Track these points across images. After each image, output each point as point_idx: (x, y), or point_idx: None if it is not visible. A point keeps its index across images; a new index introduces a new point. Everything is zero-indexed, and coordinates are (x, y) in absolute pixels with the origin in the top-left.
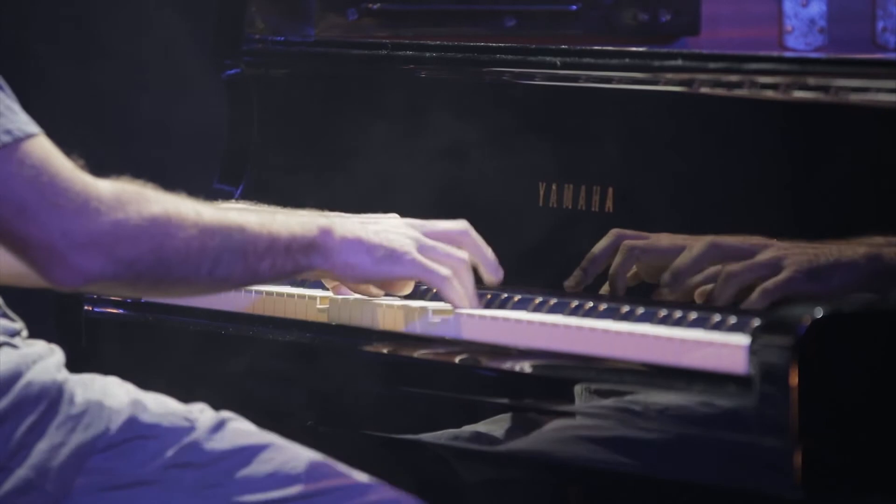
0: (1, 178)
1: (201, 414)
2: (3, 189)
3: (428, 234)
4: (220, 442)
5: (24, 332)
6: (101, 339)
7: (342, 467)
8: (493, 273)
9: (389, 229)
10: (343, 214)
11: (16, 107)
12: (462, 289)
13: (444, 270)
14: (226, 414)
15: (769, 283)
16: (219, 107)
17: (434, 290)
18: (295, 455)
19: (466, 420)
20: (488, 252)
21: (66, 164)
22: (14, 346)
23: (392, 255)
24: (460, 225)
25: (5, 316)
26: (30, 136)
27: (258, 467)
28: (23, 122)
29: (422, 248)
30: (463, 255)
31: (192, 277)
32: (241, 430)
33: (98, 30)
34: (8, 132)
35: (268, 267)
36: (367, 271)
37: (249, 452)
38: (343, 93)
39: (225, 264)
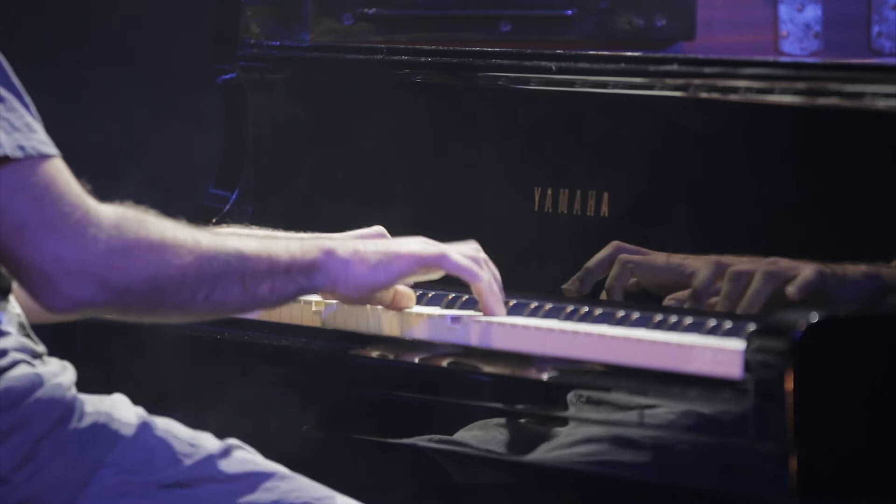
0: (5, 192)
1: (207, 440)
2: (6, 203)
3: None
4: (225, 467)
5: (45, 358)
6: (97, 344)
7: (345, 500)
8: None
9: (391, 241)
10: (347, 236)
11: (36, 126)
12: (463, 259)
13: (437, 249)
14: (231, 441)
15: (800, 280)
16: (215, 111)
17: (430, 296)
18: (299, 485)
19: (461, 425)
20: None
21: (73, 188)
22: (31, 364)
23: (386, 256)
24: (472, 245)
25: (28, 338)
26: (43, 156)
27: (262, 495)
28: (39, 140)
29: (423, 243)
30: (472, 243)
31: (186, 304)
32: (245, 458)
33: (94, 34)
34: (21, 148)
35: (267, 290)
36: (367, 281)
37: (254, 480)
38: (338, 97)
39: (221, 290)
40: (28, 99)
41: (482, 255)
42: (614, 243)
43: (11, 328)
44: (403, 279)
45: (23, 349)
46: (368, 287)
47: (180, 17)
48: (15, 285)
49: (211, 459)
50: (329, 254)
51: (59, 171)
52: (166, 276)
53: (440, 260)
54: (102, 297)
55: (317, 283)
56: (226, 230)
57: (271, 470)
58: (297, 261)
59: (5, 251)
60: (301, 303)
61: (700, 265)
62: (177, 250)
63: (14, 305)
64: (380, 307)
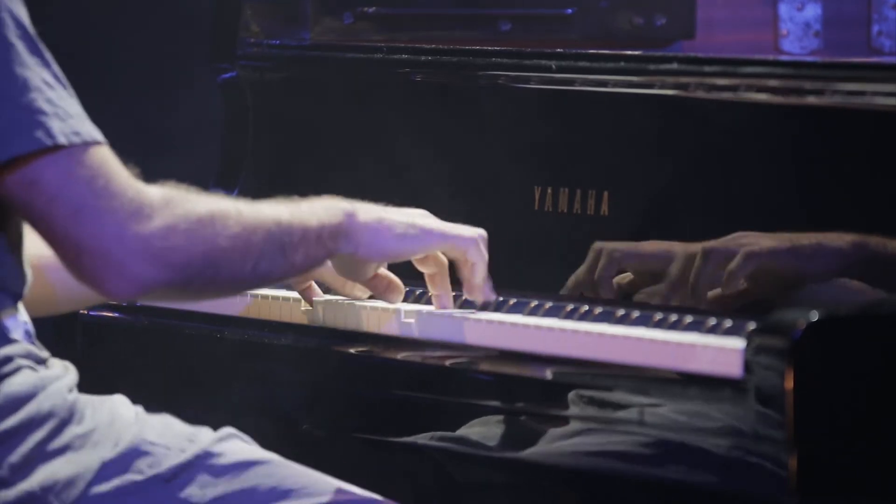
0: (61, 176)
1: (205, 434)
2: (62, 187)
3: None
4: (222, 459)
5: (50, 363)
6: (97, 342)
7: (342, 484)
8: (485, 293)
9: (411, 212)
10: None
11: (83, 113)
12: (485, 253)
13: (470, 231)
14: (228, 431)
15: (753, 247)
16: (215, 110)
17: (430, 294)
18: (294, 472)
19: (461, 423)
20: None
21: (122, 171)
22: (34, 369)
23: (414, 229)
24: (477, 231)
25: (34, 345)
26: (96, 142)
27: (259, 482)
28: (91, 129)
29: (442, 224)
30: (481, 231)
31: (238, 275)
32: (241, 448)
33: (93, 33)
34: (77, 133)
35: (302, 257)
36: (391, 248)
37: (249, 469)
38: (338, 96)
39: (267, 259)
40: (71, 88)
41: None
42: (597, 245)
43: (18, 335)
44: (427, 252)
45: (27, 356)
46: (393, 255)
47: (180, 16)
48: (32, 299)
49: (208, 452)
50: (351, 216)
51: (110, 157)
52: (219, 248)
53: (468, 245)
54: (165, 276)
55: (341, 247)
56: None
57: (266, 458)
58: (325, 226)
59: (65, 237)
60: (301, 302)
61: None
62: (225, 222)
63: (22, 313)
64: (380, 305)
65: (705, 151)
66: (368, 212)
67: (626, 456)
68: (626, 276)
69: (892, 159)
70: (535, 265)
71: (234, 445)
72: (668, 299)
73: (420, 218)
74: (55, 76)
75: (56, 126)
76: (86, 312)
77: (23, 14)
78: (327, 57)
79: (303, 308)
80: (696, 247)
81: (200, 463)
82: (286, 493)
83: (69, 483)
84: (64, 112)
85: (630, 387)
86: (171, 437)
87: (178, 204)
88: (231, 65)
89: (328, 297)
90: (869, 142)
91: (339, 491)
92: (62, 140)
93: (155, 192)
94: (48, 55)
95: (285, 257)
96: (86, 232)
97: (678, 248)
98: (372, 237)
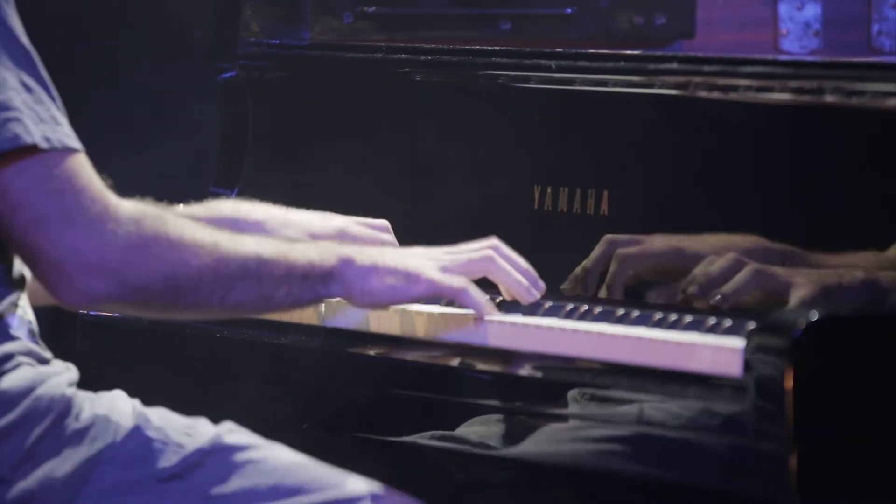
0: (25, 184)
1: (203, 426)
2: (25, 195)
3: (454, 259)
4: (221, 454)
5: (51, 363)
6: (97, 341)
7: (345, 476)
8: (525, 294)
9: (409, 255)
10: (363, 246)
11: (62, 119)
12: (481, 296)
13: (458, 281)
14: (228, 425)
15: (732, 284)
16: (215, 110)
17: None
18: (297, 465)
19: (461, 423)
20: (518, 272)
21: (93, 183)
22: (33, 366)
23: (406, 278)
24: (490, 243)
25: (37, 344)
26: (67, 149)
27: (260, 479)
28: (64, 134)
29: (441, 267)
30: (488, 250)
31: (202, 304)
32: (243, 442)
33: (93, 32)
34: (46, 139)
35: (283, 294)
36: (382, 296)
37: (251, 464)
38: (338, 96)
39: (237, 292)
40: (55, 93)
41: (503, 250)
42: (607, 237)
43: (21, 333)
44: (417, 301)
45: (29, 354)
46: (384, 303)
47: (180, 15)
48: (28, 288)
49: (207, 447)
50: (347, 263)
51: (82, 166)
52: (183, 275)
53: (458, 294)
54: (119, 293)
55: (333, 292)
56: (226, 204)
57: (268, 453)
58: (315, 268)
59: (24, 244)
60: None
61: (701, 249)
62: (195, 250)
63: (26, 311)
64: None
65: (705, 151)
66: (365, 257)
67: (626, 455)
68: (634, 276)
69: (892, 159)
70: (535, 265)
71: (234, 441)
72: (669, 299)
73: (416, 259)
74: (37, 79)
75: (24, 129)
76: (86, 312)
77: (9, 13)
78: (327, 57)
79: (313, 308)
80: (704, 251)
81: (198, 461)
82: (291, 490)
83: (67, 482)
84: (36, 116)
85: (630, 386)
86: (168, 431)
87: (147, 225)
88: (231, 65)
89: None
90: (869, 142)
91: (344, 484)
92: (27, 140)
93: (126, 208)
94: (34, 56)
95: (261, 293)
96: (44, 241)
97: (691, 245)
98: (363, 285)
